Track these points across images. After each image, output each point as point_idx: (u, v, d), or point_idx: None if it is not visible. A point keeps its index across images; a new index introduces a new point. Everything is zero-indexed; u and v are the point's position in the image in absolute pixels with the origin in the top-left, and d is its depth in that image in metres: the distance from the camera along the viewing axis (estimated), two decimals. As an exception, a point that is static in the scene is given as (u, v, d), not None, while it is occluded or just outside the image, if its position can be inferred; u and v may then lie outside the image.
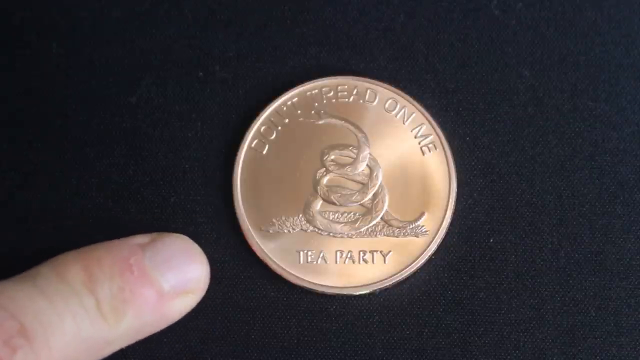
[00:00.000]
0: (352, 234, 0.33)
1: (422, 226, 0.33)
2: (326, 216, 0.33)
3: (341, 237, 0.33)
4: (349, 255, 0.33)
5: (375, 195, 0.34)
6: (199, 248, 0.32)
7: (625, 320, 0.33)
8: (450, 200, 0.33)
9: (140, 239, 0.31)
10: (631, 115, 0.35)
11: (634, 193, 0.34)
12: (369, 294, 0.33)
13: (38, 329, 0.28)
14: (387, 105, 0.34)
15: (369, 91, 0.34)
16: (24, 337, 0.27)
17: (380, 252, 0.33)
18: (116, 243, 0.31)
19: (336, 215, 0.33)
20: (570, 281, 0.33)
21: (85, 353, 0.29)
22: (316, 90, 0.34)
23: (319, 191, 0.34)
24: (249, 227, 0.33)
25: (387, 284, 0.33)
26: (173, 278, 0.31)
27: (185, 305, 0.31)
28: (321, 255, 0.33)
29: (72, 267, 0.29)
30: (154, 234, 0.32)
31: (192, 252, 0.32)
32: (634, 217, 0.34)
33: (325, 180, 0.34)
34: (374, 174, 0.34)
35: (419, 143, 0.34)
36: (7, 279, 0.29)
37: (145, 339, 0.32)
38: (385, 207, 0.33)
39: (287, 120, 0.34)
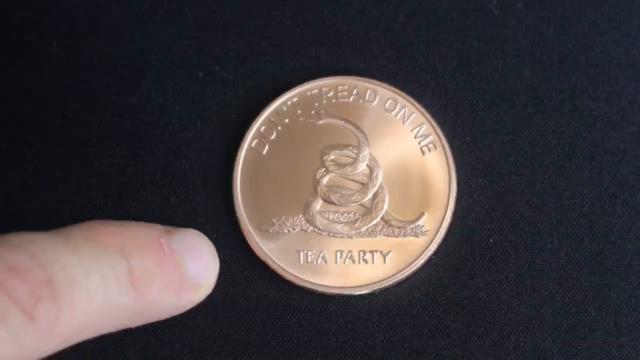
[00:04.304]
0: (352, 234, 0.33)
1: (422, 226, 0.33)
2: (326, 216, 0.33)
3: (341, 237, 0.33)
4: (349, 255, 0.33)
5: (375, 195, 0.34)
6: (212, 245, 0.32)
7: (625, 320, 0.33)
8: (450, 200, 0.33)
9: (158, 225, 0.31)
10: (631, 115, 0.35)
11: (634, 193, 0.34)
12: (369, 293, 0.33)
13: (65, 284, 0.27)
14: (387, 105, 0.34)
15: (369, 91, 0.34)
16: (50, 289, 0.27)
17: (380, 252, 0.33)
18: (142, 223, 0.30)
19: (336, 215, 0.33)
20: (570, 281, 0.33)
21: (106, 320, 0.28)
22: (316, 90, 0.34)
23: (319, 191, 0.34)
24: (249, 227, 0.33)
25: (387, 284, 0.33)
26: (194, 268, 0.31)
27: (197, 298, 0.31)
28: (321, 255, 0.33)
29: (105, 233, 0.29)
30: (167, 227, 0.31)
31: (208, 247, 0.32)
32: (634, 217, 0.34)
33: (325, 180, 0.34)
34: (374, 174, 0.34)
35: (419, 143, 0.34)
36: (39, 232, 0.29)
37: (146, 339, 0.32)
38: (385, 207, 0.33)
39: (287, 120, 0.34)
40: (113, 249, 0.28)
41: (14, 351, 0.26)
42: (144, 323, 0.30)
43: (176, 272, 0.30)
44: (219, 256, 0.33)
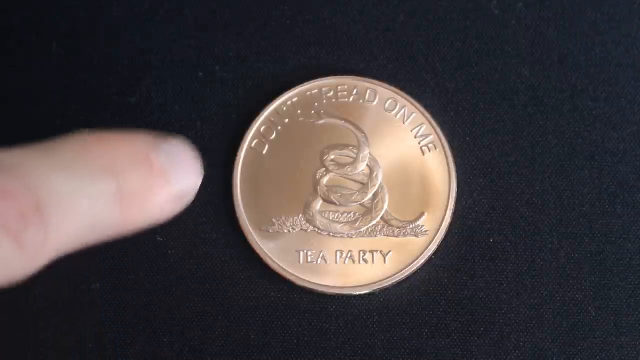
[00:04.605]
0: (352, 234, 0.33)
1: (422, 226, 0.33)
2: (326, 216, 0.33)
3: (341, 237, 0.33)
4: (349, 255, 0.33)
5: (375, 195, 0.34)
6: (197, 156, 0.31)
7: (625, 320, 0.33)
8: (450, 200, 0.33)
9: (147, 137, 0.30)
10: (631, 115, 0.35)
11: (634, 193, 0.34)
12: (369, 293, 0.33)
13: (52, 206, 0.26)
14: (387, 105, 0.34)
15: (369, 91, 0.34)
16: (39, 213, 0.26)
17: (380, 252, 0.33)
18: (131, 135, 0.30)
19: (336, 215, 0.33)
20: (570, 281, 0.33)
21: (90, 236, 0.28)
22: (316, 90, 0.34)
23: (319, 191, 0.34)
24: (249, 227, 0.33)
25: (387, 284, 0.33)
26: (180, 183, 0.30)
27: (178, 210, 0.30)
28: (321, 255, 0.33)
29: (95, 147, 0.28)
30: (156, 136, 0.30)
31: (194, 159, 0.30)
32: (634, 217, 0.34)
33: (325, 180, 0.34)
34: (374, 174, 0.34)
35: (419, 143, 0.34)
36: (25, 147, 0.28)
37: (146, 339, 0.32)
38: (385, 207, 0.33)
39: (287, 120, 0.34)
40: (103, 166, 0.28)
41: (1, 274, 0.26)
42: (124, 235, 0.30)
43: (163, 188, 0.29)
44: (219, 256, 0.33)
